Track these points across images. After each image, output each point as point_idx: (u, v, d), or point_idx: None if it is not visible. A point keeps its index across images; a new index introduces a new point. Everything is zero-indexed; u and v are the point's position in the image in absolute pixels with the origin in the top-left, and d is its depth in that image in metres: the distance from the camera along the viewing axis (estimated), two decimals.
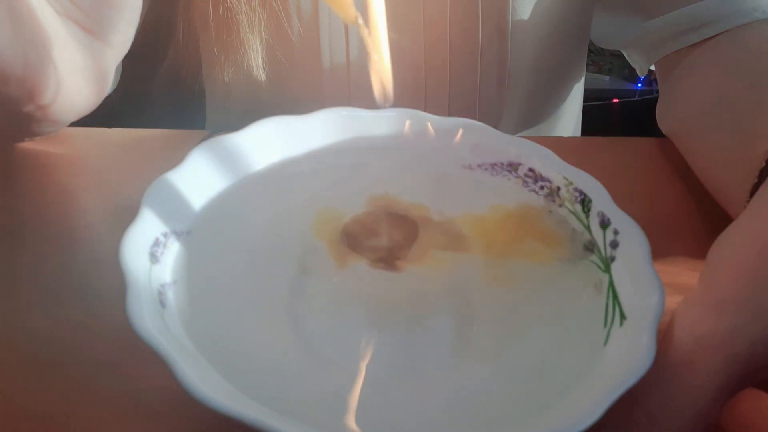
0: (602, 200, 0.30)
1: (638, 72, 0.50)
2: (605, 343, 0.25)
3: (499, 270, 0.29)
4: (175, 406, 0.26)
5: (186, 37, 0.47)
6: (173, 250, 0.27)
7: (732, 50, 0.41)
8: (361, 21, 0.28)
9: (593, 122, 0.72)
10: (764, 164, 0.31)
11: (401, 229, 0.31)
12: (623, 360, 0.23)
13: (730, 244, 0.26)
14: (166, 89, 0.54)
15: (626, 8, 0.49)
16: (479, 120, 0.34)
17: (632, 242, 0.28)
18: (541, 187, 0.32)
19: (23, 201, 0.38)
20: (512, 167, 0.33)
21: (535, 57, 0.51)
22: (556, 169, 0.32)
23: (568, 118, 0.60)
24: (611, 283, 0.28)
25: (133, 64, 0.46)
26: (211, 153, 0.31)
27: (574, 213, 0.31)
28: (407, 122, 0.34)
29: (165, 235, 0.27)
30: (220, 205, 0.30)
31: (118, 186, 0.38)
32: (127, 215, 0.26)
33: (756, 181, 0.32)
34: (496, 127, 0.34)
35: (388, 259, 0.29)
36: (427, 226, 0.31)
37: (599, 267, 0.29)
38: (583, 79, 0.60)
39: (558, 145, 0.33)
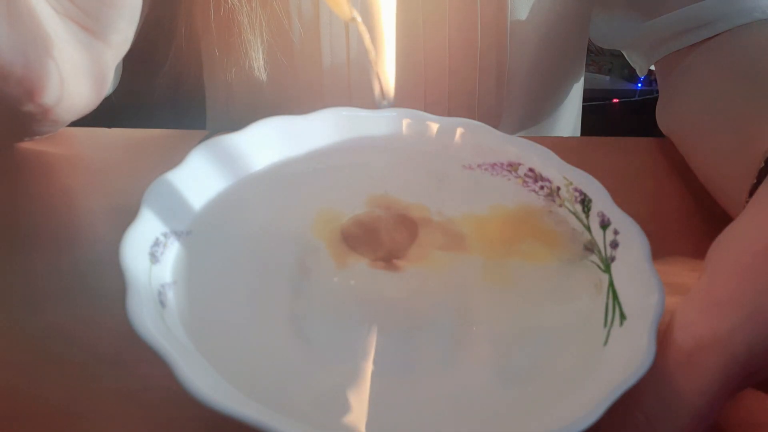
0: (602, 200, 0.30)
1: (638, 72, 0.50)
2: (605, 343, 0.25)
3: (499, 270, 0.29)
4: (175, 406, 0.26)
5: (187, 38, 0.47)
6: (173, 250, 0.27)
7: (731, 50, 0.41)
8: (359, 18, 0.28)
9: (593, 122, 0.72)
10: (763, 164, 0.32)
11: (401, 229, 0.31)
12: (623, 360, 0.23)
13: (729, 244, 0.26)
14: (166, 90, 0.53)
15: (626, 8, 0.49)
16: (478, 120, 0.34)
17: (632, 242, 0.28)
18: (541, 187, 0.32)
19: (23, 201, 0.38)
20: (512, 167, 0.33)
21: (534, 57, 0.51)
22: (556, 169, 0.32)
23: (568, 118, 0.60)
24: (611, 283, 0.28)
25: (134, 64, 0.46)
26: (211, 153, 0.31)
27: (574, 213, 0.31)
28: (407, 122, 0.34)
29: (165, 235, 0.27)
30: (220, 205, 0.30)
31: (118, 186, 0.38)
32: (127, 215, 0.26)
33: (755, 181, 0.32)
34: (495, 127, 0.34)
35: (388, 259, 0.29)
36: (427, 226, 0.31)
37: (599, 267, 0.29)
38: (582, 79, 0.60)
39: (558, 145, 0.33)
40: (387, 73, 0.29)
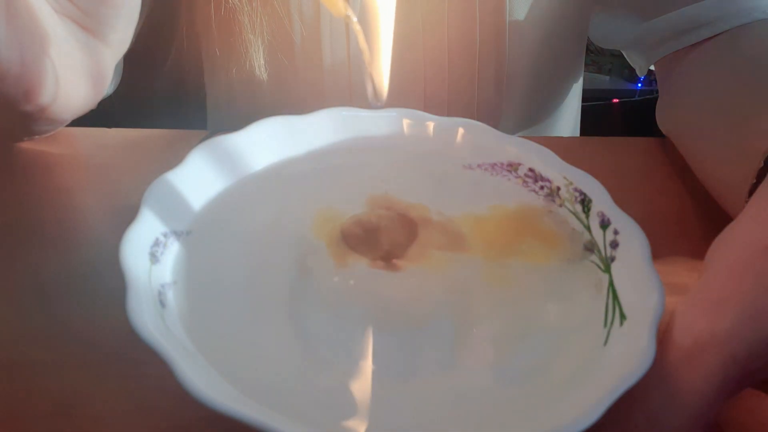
0: (602, 200, 0.30)
1: (638, 72, 0.50)
2: (605, 343, 0.25)
3: (499, 270, 0.29)
4: (175, 406, 0.26)
5: (188, 38, 0.47)
6: (173, 250, 0.27)
7: (731, 50, 0.41)
8: (354, 17, 0.28)
9: (593, 122, 0.72)
10: (762, 164, 0.32)
11: (401, 229, 0.31)
12: (623, 360, 0.23)
13: (728, 244, 0.26)
14: (167, 90, 0.54)
15: (626, 8, 0.49)
16: (478, 120, 0.34)
17: (632, 242, 0.28)
18: (541, 187, 0.32)
19: (23, 201, 0.38)
20: (512, 167, 0.33)
21: (533, 57, 0.51)
22: (556, 169, 0.32)
23: (567, 118, 0.60)
24: (611, 283, 0.28)
25: (135, 64, 0.46)
26: (211, 153, 0.31)
27: (574, 213, 0.31)
28: (407, 122, 0.34)
29: (165, 235, 0.27)
30: (220, 205, 0.30)
31: (118, 186, 0.38)
32: (127, 215, 0.26)
33: (754, 181, 0.32)
34: (495, 127, 0.34)
35: (388, 259, 0.29)
36: (427, 226, 0.31)
37: (599, 267, 0.29)
38: (581, 79, 0.60)
39: (558, 145, 0.33)
40: (381, 74, 0.29)
